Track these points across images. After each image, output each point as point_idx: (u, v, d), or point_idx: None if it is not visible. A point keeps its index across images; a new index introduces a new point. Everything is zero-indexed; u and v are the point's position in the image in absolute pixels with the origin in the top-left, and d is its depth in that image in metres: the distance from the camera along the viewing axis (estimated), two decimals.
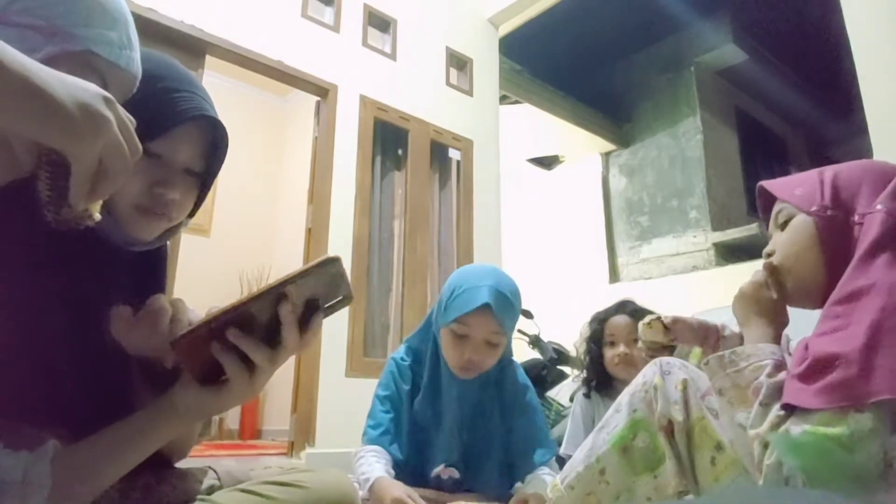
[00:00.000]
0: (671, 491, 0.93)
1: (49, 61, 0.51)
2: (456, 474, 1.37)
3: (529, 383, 1.49)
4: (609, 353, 1.80)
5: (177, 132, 0.72)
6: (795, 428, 0.71)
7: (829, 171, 0.89)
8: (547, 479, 1.30)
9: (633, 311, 1.83)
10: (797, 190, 0.90)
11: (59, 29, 0.54)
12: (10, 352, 0.60)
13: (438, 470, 1.37)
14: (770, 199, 0.96)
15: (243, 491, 0.67)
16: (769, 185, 0.96)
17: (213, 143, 0.77)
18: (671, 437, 0.94)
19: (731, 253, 5.98)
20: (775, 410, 0.77)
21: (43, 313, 0.64)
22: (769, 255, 0.94)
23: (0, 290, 0.60)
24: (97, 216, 0.54)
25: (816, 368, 0.72)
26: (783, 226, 0.92)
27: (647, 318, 1.13)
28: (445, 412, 1.37)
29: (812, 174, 0.91)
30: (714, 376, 0.88)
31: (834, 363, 0.70)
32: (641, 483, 0.96)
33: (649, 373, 0.99)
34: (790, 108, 7.35)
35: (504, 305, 1.26)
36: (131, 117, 0.51)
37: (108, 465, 0.56)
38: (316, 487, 0.69)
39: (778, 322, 0.92)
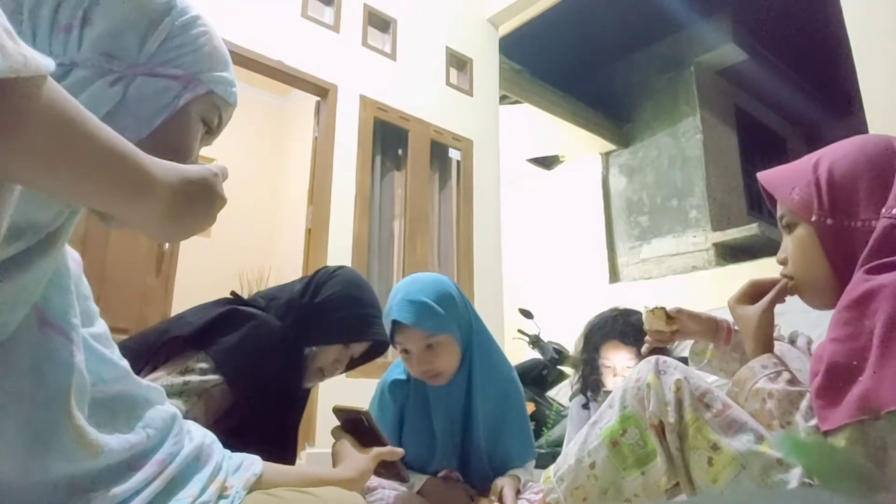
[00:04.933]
0: (660, 488, 0.93)
1: (186, 106, 0.61)
2: (459, 477, 1.40)
3: (515, 378, 1.48)
4: (606, 375, 1.76)
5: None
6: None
7: (823, 166, 0.86)
8: (519, 473, 1.38)
9: (623, 334, 1.76)
10: (794, 193, 0.88)
11: (191, 77, 0.61)
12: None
13: (442, 475, 1.40)
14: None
15: (261, 493, 0.71)
16: (766, 181, 0.95)
17: None
18: (662, 436, 0.94)
19: (731, 253, 5.98)
20: (804, 424, 0.78)
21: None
22: (782, 263, 0.95)
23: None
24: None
25: (834, 381, 0.73)
26: (788, 230, 0.92)
27: (651, 306, 1.12)
28: (437, 419, 1.39)
29: (806, 169, 0.88)
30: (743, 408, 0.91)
31: (851, 376, 0.71)
32: (629, 479, 0.95)
33: (644, 369, 0.98)
34: (790, 107, 7.36)
35: (412, 311, 1.29)
36: (227, 171, 0.60)
37: None
38: (328, 500, 0.73)
39: (761, 329, 0.93)
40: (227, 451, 0.75)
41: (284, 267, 5.23)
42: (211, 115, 0.64)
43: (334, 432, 1.07)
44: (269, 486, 0.74)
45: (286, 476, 0.77)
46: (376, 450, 1.01)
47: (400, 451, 1.05)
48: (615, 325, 1.78)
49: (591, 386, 1.79)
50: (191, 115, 0.62)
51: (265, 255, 5.40)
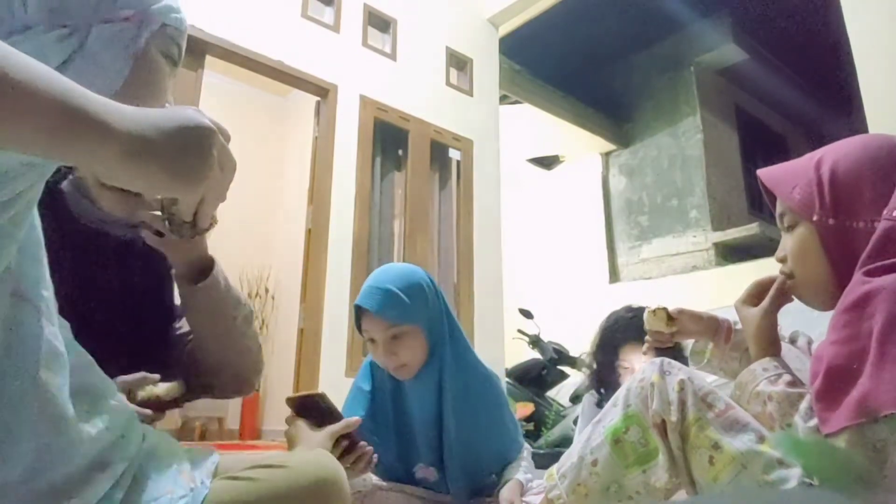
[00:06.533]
0: (661, 486, 0.94)
1: (146, 47, 0.59)
2: (434, 475, 1.35)
3: (492, 376, 1.43)
4: (625, 377, 1.70)
5: None
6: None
7: (825, 165, 0.85)
8: (520, 477, 1.33)
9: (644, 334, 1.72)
10: (796, 192, 0.88)
11: (143, 13, 0.60)
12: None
13: (418, 470, 1.36)
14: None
15: (227, 478, 0.69)
16: (767, 178, 0.95)
17: None
18: (664, 435, 0.94)
19: (731, 253, 5.98)
20: (803, 425, 0.78)
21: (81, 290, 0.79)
22: (781, 261, 0.94)
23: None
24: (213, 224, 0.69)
25: (833, 384, 0.72)
26: (788, 228, 0.91)
27: (653, 307, 1.13)
28: (413, 413, 1.35)
29: (808, 167, 0.87)
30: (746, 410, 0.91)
31: (850, 379, 0.70)
32: (630, 477, 0.96)
33: (648, 370, 0.99)
34: (790, 106, 7.36)
35: (375, 299, 1.27)
36: (227, 131, 0.54)
37: None
38: (297, 466, 0.70)
39: (762, 331, 0.94)
40: (183, 447, 0.74)
41: (284, 267, 5.23)
42: (171, 48, 0.64)
43: (288, 421, 1.02)
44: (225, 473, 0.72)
45: (241, 464, 0.75)
46: (330, 427, 0.97)
47: (354, 420, 1.00)
48: (634, 326, 1.75)
49: (607, 387, 1.76)
50: (154, 55, 0.62)
51: (265, 255, 5.40)
